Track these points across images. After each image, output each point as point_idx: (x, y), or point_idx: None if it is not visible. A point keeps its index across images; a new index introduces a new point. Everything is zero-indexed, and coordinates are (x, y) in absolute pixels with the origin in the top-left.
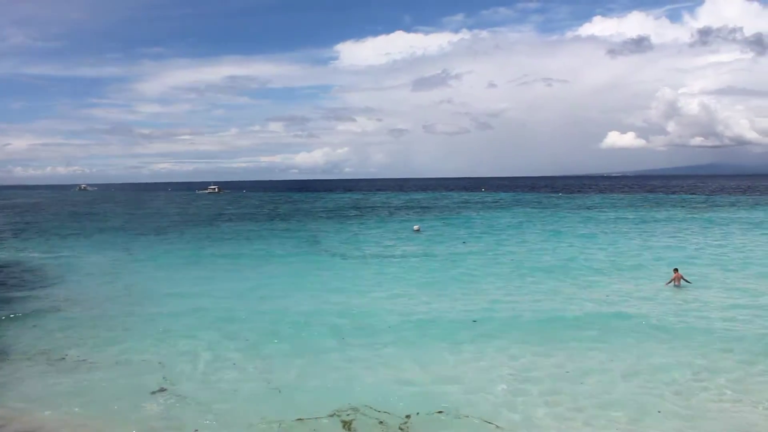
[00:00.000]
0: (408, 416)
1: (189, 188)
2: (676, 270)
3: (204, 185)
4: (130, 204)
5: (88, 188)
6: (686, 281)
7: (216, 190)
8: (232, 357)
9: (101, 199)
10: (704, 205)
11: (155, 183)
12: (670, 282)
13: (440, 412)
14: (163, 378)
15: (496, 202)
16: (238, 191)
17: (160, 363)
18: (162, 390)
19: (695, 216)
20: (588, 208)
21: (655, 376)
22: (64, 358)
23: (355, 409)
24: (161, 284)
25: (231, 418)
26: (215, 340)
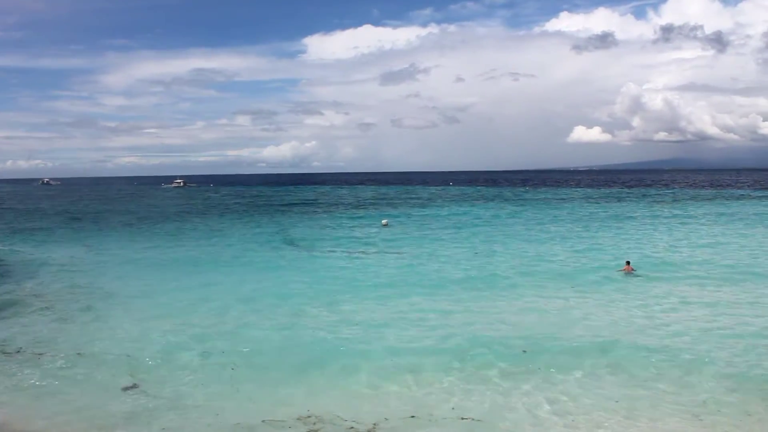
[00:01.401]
0: (375, 424)
1: (155, 182)
2: (628, 263)
3: (170, 179)
4: (94, 198)
5: (52, 182)
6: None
7: (181, 183)
8: (199, 357)
9: (65, 194)
10: (670, 200)
11: (120, 177)
12: (621, 270)
13: (413, 416)
14: (132, 376)
15: (464, 196)
16: (205, 185)
17: (128, 361)
18: (134, 386)
19: (661, 211)
20: (555, 202)
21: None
22: (29, 355)
23: (320, 417)
24: (126, 281)
25: (198, 418)
26: (182, 339)
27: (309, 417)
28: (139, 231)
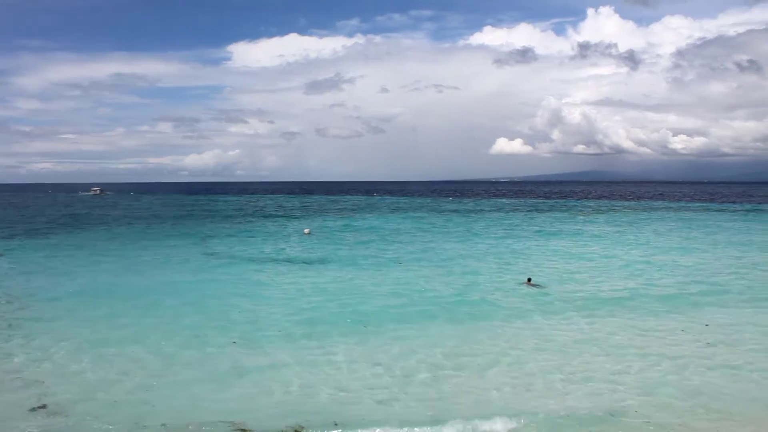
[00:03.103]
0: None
1: (72, 190)
2: (529, 279)
3: (87, 186)
4: (4, 205)
5: None
6: (534, 285)
7: (98, 191)
8: (114, 368)
9: None
10: (586, 211)
11: (34, 184)
12: (523, 283)
13: (336, 424)
14: (42, 394)
15: (388, 206)
16: (125, 193)
17: (36, 379)
18: (42, 407)
19: (574, 223)
20: (477, 213)
21: None
22: None
23: (242, 422)
24: (35, 292)
25: (109, 428)
26: (95, 351)
27: (233, 422)
28: (52, 241)
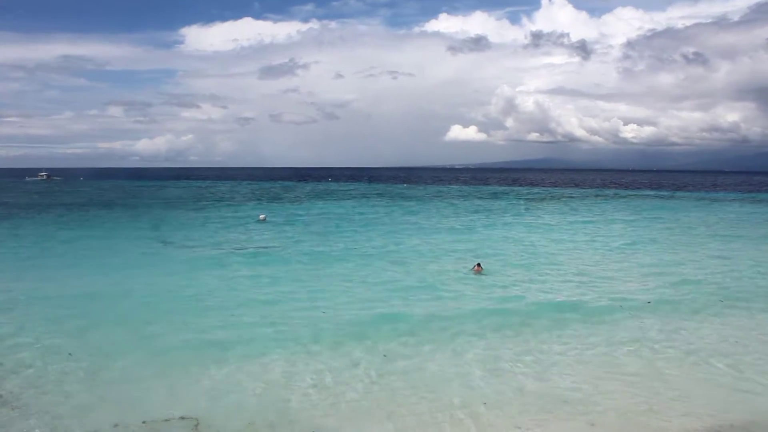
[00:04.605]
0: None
1: (19, 174)
2: (478, 264)
3: (34, 172)
4: None
5: None
6: (482, 272)
7: (45, 177)
8: (65, 364)
9: None
10: (537, 199)
11: None
12: (472, 269)
13: (291, 422)
14: None
15: (342, 192)
16: (74, 179)
17: None
18: None
19: (524, 211)
20: (433, 199)
21: None
22: None
23: (195, 419)
24: None
25: (62, 423)
26: (39, 341)
27: (189, 418)
28: None
